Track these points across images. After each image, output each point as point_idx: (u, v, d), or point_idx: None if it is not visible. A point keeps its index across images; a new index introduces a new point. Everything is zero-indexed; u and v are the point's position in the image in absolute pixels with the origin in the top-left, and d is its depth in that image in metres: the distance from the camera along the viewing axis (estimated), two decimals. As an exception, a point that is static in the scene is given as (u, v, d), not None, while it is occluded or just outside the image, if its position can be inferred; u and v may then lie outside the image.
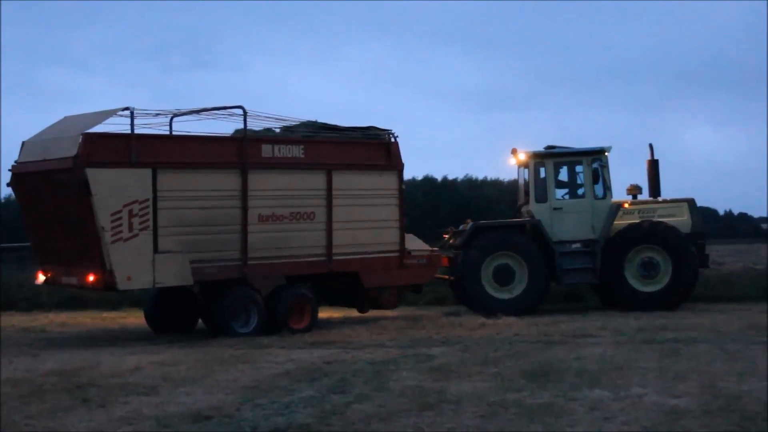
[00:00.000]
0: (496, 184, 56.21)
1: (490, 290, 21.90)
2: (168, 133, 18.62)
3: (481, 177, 55.97)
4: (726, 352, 14.03)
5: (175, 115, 18.76)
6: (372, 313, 21.21)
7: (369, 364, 13.56)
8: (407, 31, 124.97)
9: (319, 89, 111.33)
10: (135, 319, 21.82)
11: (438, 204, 44.56)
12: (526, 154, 22.62)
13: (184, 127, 18.82)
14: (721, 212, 65.39)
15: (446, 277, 22.69)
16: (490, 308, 21.36)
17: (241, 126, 18.69)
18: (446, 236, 23.38)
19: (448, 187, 50.85)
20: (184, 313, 19.63)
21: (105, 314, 22.94)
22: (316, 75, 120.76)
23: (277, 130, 20.07)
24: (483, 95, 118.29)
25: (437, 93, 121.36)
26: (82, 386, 12.02)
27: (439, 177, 51.43)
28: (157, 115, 18.07)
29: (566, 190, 22.98)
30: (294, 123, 20.04)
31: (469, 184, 52.97)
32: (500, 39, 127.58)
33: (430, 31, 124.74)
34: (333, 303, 21.90)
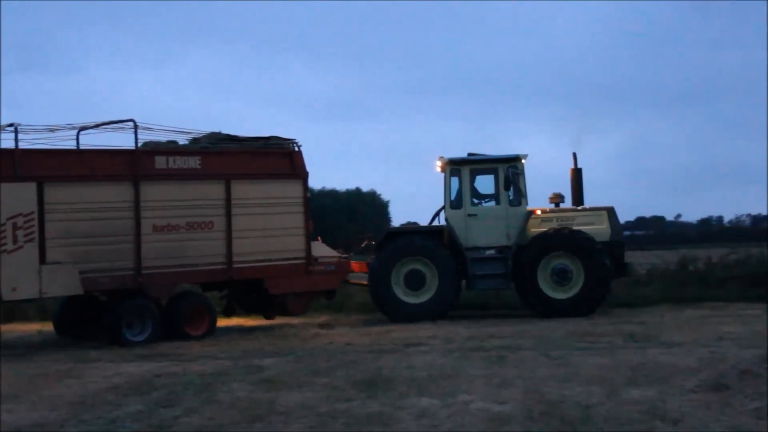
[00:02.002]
0: (331, 193, 56.54)
1: (401, 295, 21.97)
2: (62, 147, 18.74)
3: (317, 187, 56.19)
4: (550, 358, 14.37)
5: (82, 129, 19.21)
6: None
7: (199, 377, 13.41)
8: (249, 37, 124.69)
9: (157, 93, 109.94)
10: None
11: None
12: (442, 161, 22.62)
13: (92, 140, 19.30)
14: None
15: (364, 283, 22.89)
16: (400, 313, 21.65)
17: (148, 138, 19.38)
18: (372, 242, 23.57)
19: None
20: (91, 321, 19.44)
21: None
22: (153, 79, 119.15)
23: (186, 142, 20.35)
24: (324, 103, 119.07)
25: (277, 100, 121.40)
26: None
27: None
28: (52, 130, 18.46)
29: (483, 197, 22.89)
30: (199, 135, 20.36)
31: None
32: (344, 48, 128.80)
33: (272, 38, 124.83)
34: (247, 310, 22.27)
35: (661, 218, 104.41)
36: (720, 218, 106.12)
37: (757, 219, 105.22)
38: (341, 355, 15.62)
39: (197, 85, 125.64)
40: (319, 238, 22.60)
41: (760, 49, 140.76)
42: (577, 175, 23.12)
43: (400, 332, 18.97)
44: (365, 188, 69.89)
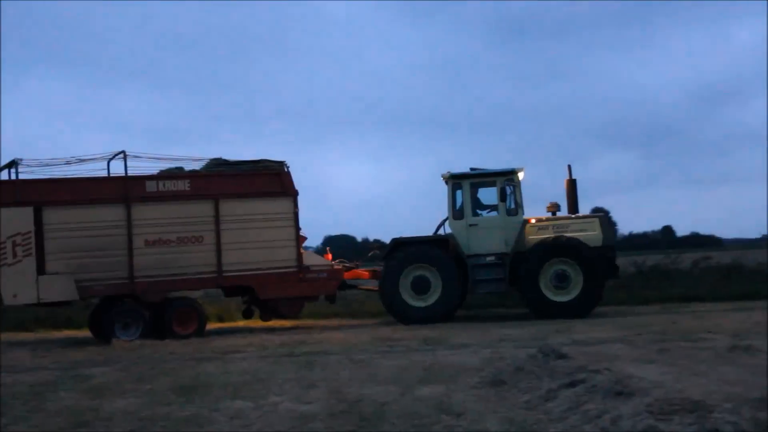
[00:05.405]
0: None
1: (408, 299, 21.83)
2: (59, 176, 19.96)
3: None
4: (353, 362, 14.44)
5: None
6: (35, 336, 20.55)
7: (29, 387, 12.86)
8: (86, 65, 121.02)
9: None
10: None
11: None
12: (445, 176, 22.36)
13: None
14: (359, 238, 67.65)
15: (372, 288, 23.19)
16: (408, 316, 21.56)
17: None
18: (378, 251, 23.56)
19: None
20: None
21: None
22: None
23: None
24: (157, 131, 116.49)
25: (113, 128, 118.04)
26: None
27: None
28: (52, 164, 19.88)
29: (484, 208, 22.65)
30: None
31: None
32: (175, 76, 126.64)
33: (107, 67, 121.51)
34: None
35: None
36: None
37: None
38: (164, 363, 15.29)
39: (29, 111, 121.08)
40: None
41: (549, 85, 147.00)
42: (572, 185, 22.82)
43: (220, 340, 18.79)
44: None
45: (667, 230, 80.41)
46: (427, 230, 22.96)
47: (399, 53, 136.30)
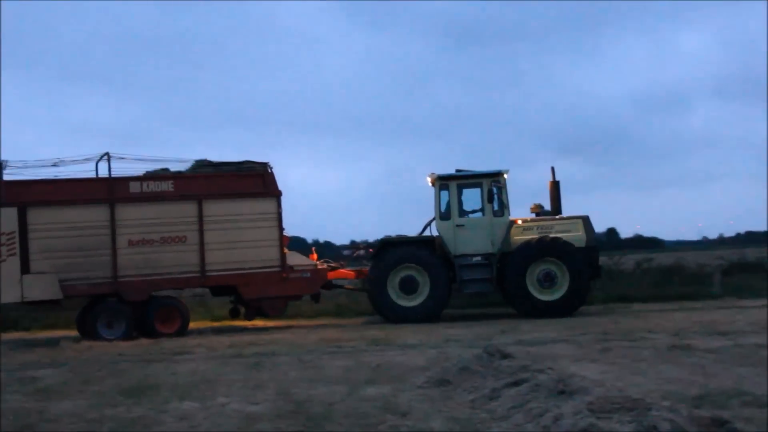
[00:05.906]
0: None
1: (396, 299, 21.78)
2: (44, 178, 20.03)
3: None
4: (302, 362, 14.38)
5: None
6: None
7: (-26, 389, 12.63)
8: (36, 66, 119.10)
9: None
10: None
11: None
12: (432, 177, 22.20)
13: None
14: (310, 240, 67.31)
15: (357, 288, 23.50)
16: (396, 315, 21.48)
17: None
18: (362, 251, 23.78)
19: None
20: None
21: None
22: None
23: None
24: (112, 132, 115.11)
25: (66, 129, 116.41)
26: None
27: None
28: (37, 166, 19.94)
29: (471, 209, 22.47)
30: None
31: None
32: (132, 79, 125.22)
33: (59, 68, 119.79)
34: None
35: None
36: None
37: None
38: (112, 364, 15.08)
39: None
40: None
41: (500, 91, 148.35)
42: (555, 187, 22.82)
43: (169, 342, 18.55)
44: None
45: (612, 232, 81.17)
46: (381, 232, 23.11)
47: (352, 58, 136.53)
